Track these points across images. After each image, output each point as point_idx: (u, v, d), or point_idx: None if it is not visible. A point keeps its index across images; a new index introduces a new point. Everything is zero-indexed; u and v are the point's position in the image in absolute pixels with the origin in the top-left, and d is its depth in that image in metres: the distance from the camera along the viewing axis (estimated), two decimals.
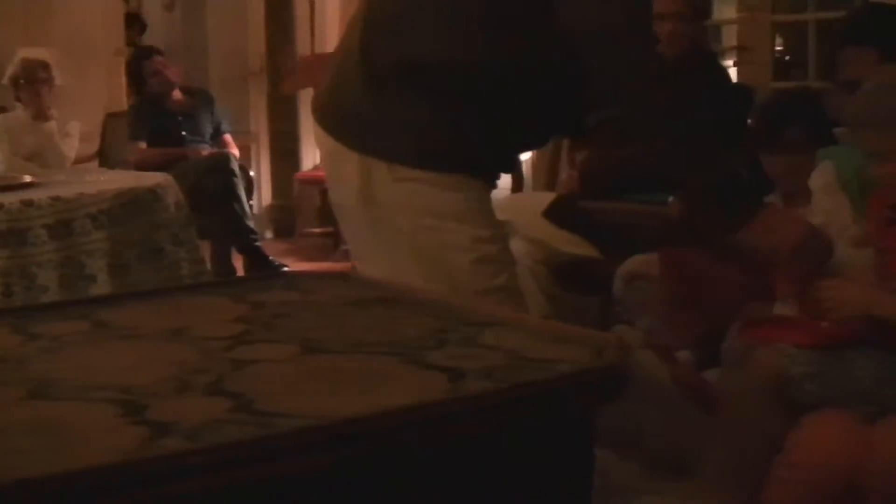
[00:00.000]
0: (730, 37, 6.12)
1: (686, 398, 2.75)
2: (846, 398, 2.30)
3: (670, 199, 3.12)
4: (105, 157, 6.66)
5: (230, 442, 1.18)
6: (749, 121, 3.46)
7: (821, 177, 2.74)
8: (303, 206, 8.10)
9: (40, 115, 5.54)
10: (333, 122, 2.35)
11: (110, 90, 7.09)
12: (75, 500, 1.08)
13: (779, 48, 7.03)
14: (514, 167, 2.44)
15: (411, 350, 1.52)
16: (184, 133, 6.41)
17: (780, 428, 2.36)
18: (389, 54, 2.22)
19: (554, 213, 3.94)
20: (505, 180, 6.24)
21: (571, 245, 3.91)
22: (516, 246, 3.94)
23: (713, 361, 2.74)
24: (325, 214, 7.10)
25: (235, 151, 6.52)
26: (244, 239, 6.17)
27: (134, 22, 8.50)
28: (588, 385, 1.42)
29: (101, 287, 3.65)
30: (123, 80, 7.10)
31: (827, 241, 2.22)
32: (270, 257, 6.31)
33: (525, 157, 6.44)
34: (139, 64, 6.63)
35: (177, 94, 6.54)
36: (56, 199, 3.69)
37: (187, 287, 2.05)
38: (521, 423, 1.37)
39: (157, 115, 6.43)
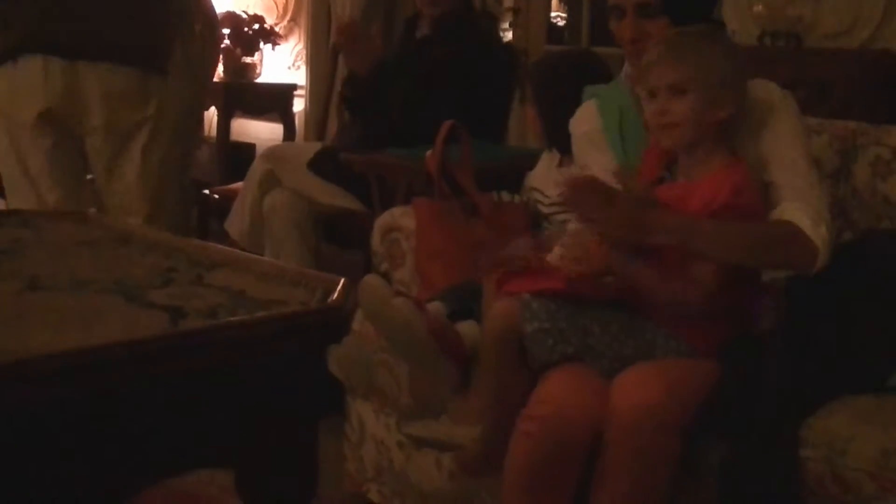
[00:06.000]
0: None
1: (439, 350, 2.77)
2: (584, 354, 2.34)
3: (427, 153, 3.15)
4: None
5: None
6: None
7: (582, 123, 2.76)
8: None
9: None
10: None
11: None
12: None
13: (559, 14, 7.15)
14: None
15: (136, 289, 1.52)
16: None
17: (523, 382, 2.39)
18: None
19: (318, 165, 3.94)
20: (276, 131, 6.24)
21: (334, 197, 3.92)
22: (280, 196, 3.93)
23: (467, 313, 2.76)
24: None
25: None
26: None
27: None
28: (310, 325, 1.43)
29: None
30: None
31: None
32: None
33: (298, 107, 6.43)
34: None
35: None
36: None
37: None
38: (242, 362, 1.38)
39: None
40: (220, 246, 1.91)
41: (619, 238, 2.29)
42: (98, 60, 3.27)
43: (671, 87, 2.34)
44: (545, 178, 3.16)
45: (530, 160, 3.33)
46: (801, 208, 2.37)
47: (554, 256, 2.43)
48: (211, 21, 3.81)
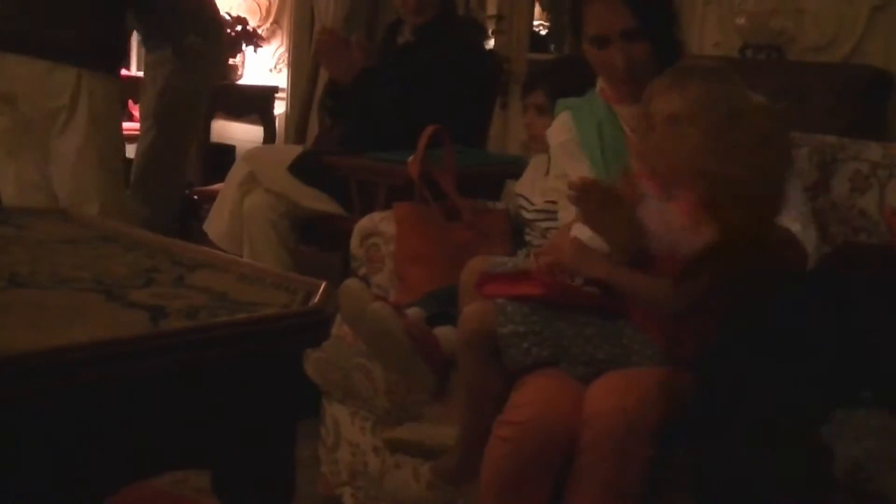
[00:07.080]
0: (493, 6, 6.20)
1: (417, 354, 2.77)
2: (559, 357, 2.34)
3: (409, 158, 3.15)
4: None
5: None
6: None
7: (559, 134, 2.76)
8: None
9: None
10: None
11: None
12: None
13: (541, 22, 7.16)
14: None
15: (117, 288, 1.51)
16: None
17: (497, 385, 2.39)
18: None
19: (299, 169, 3.94)
20: (256, 133, 6.23)
21: (314, 200, 3.92)
22: (259, 198, 3.93)
23: (445, 318, 2.76)
24: None
25: None
26: None
27: None
28: (291, 328, 1.43)
29: None
30: None
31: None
32: None
33: (279, 110, 6.42)
34: None
35: None
36: None
37: None
38: (222, 363, 1.38)
39: None
40: (202, 247, 1.91)
41: (621, 240, 2.30)
42: (7, 52, 3.44)
43: (670, 117, 2.30)
44: (531, 186, 3.16)
45: (511, 167, 3.35)
46: (788, 214, 2.39)
47: (531, 261, 2.44)
48: (212, 20, 3.83)
